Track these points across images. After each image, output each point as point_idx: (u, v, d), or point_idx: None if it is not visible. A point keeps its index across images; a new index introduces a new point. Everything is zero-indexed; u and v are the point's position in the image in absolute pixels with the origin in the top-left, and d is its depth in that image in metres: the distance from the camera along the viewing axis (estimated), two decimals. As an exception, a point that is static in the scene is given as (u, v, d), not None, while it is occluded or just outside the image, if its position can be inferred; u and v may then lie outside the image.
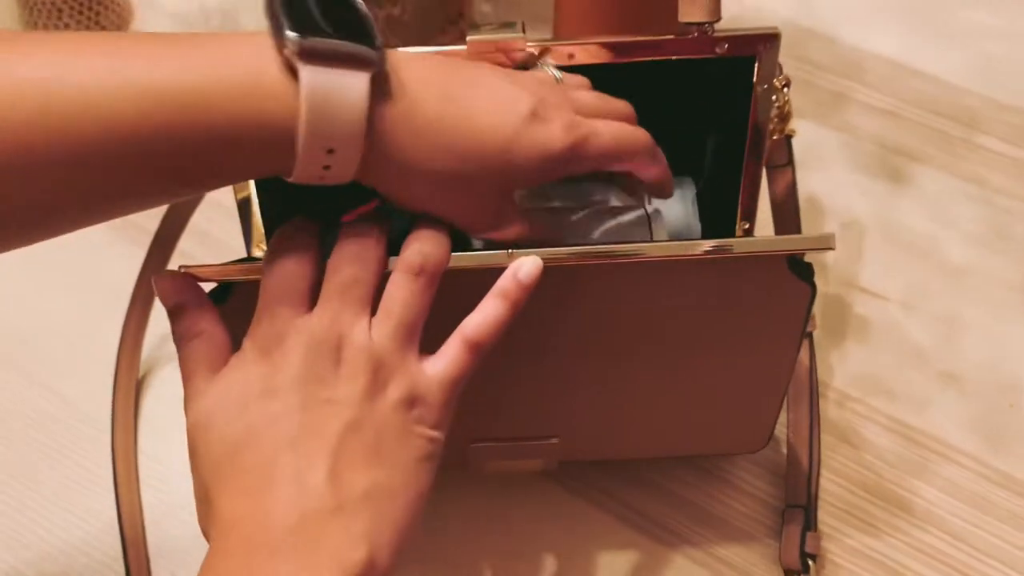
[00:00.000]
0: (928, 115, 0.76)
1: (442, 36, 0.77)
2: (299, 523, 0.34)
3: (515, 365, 0.48)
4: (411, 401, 0.37)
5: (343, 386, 0.36)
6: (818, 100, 0.77)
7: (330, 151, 0.35)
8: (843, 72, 0.78)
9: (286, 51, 0.33)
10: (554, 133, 0.39)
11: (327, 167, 0.36)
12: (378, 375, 0.37)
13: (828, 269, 0.66)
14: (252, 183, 0.48)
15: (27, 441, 0.59)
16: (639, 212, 0.50)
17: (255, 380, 0.36)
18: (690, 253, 0.43)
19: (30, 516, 0.56)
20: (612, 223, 0.50)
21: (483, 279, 0.40)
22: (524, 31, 0.43)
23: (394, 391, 0.37)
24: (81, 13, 0.75)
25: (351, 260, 0.38)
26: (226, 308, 0.42)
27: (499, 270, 0.40)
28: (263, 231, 0.50)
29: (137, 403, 0.60)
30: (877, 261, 0.67)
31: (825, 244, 0.43)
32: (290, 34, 0.33)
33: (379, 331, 0.37)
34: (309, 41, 0.33)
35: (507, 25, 0.43)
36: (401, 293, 0.38)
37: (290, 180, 0.36)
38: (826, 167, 0.72)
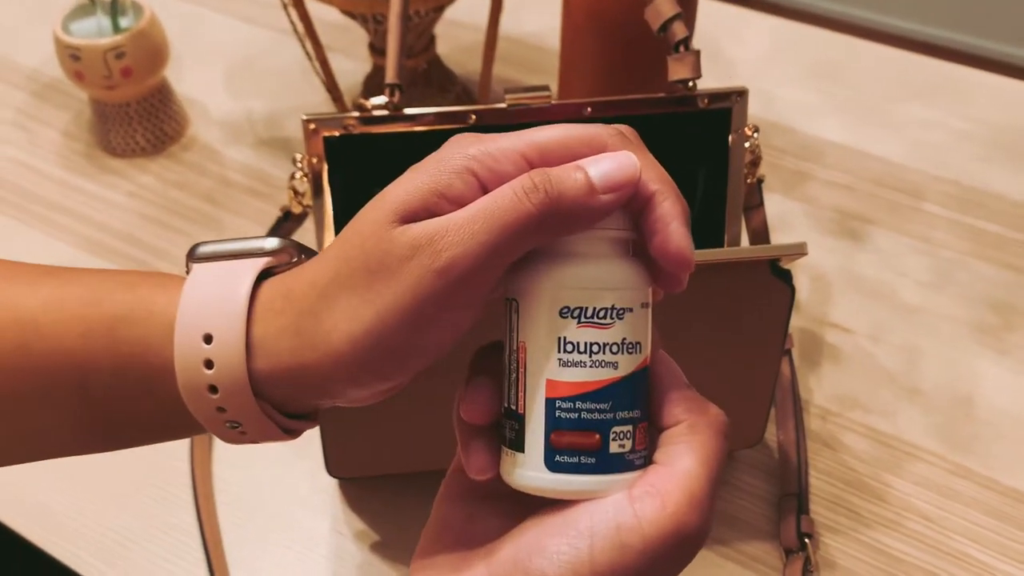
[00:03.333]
0: (878, 187, 0.88)
1: (444, 95, 0.88)
2: None
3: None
4: None
5: None
6: (784, 179, 0.89)
7: (207, 337, 0.34)
8: (804, 156, 0.92)
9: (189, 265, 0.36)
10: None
11: (208, 362, 0.34)
12: None
13: (803, 308, 0.77)
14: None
15: (116, 470, 0.67)
16: None
17: None
18: (703, 259, 0.53)
19: (121, 532, 0.64)
20: None
21: None
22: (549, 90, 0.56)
23: None
24: (149, 121, 0.87)
25: None
26: None
27: None
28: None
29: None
30: (844, 304, 0.78)
31: (799, 251, 0.54)
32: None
33: None
34: (198, 250, 0.36)
35: (537, 87, 0.55)
36: None
37: (181, 390, 0.34)
38: (794, 231, 0.84)
